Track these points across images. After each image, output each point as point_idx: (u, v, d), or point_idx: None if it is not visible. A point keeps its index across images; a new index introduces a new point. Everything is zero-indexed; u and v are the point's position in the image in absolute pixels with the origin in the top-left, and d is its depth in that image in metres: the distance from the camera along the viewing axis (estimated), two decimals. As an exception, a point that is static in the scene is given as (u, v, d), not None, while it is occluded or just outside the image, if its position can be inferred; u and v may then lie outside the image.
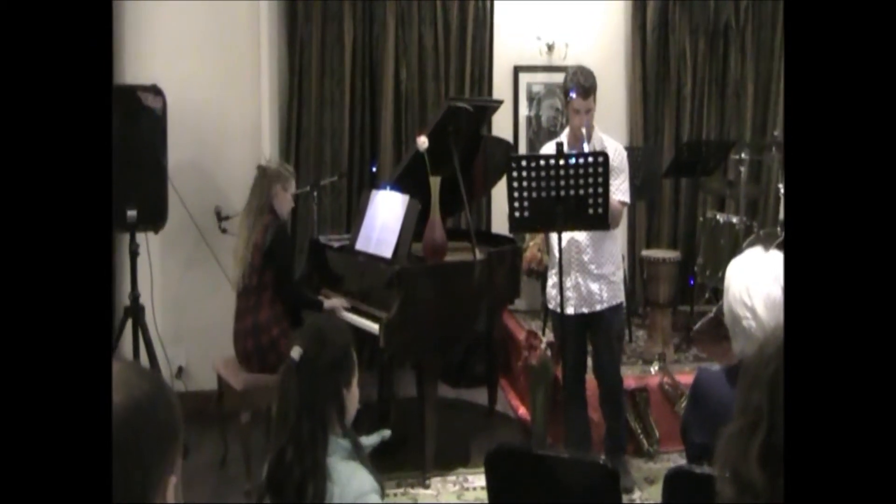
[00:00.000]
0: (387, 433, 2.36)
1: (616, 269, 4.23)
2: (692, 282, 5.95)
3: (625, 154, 4.22)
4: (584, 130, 3.99)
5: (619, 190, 4.09)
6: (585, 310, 4.17)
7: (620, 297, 4.27)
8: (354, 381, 2.26)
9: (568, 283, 4.10)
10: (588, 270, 4.15)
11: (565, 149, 3.90)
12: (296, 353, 2.18)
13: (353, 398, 2.26)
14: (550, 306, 4.31)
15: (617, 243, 4.30)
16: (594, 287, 4.16)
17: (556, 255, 3.97)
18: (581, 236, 4.12)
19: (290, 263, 4.49)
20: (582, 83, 3.99)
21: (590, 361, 4.40)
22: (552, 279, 4.28)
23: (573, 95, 4.00)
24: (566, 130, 4.22)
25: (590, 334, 4.29)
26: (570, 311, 4.07)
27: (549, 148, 4.17)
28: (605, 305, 4.18)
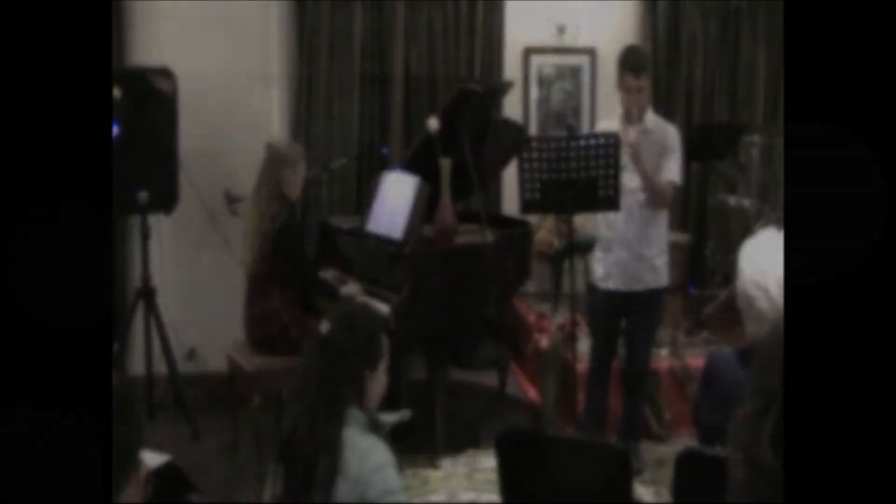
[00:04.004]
0: (407, 413, 2.40)
1: (659, 252, 4.17)
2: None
3: (678, 136, 4.16)
4: (635, 109, 3.95)
5: (670, 170, 4.06)
6: (623, 288, 4.15)
7: (662, 283, 4.21)
8: (382, 367, 2.31)
9: (609, 259, 4.12)
10: (630, 249, 4.11)
11: (618, 129, 3.94)
12: (324, 327, 2.25)
13: (378, 383, 2.30)
14: (592, 281, 4.30)
15: (663, 228, 4.23)
16: (634, 267, 4.12)
17: (604, 230, 4.15)
18: (626, 216, 4.05)
19: (300, 252, 4.43)
20: (634, 60, 3.98)
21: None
22: (598, 254, 4.26)
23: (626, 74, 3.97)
24: (620, 111, 4.14)
25: (626, 316, 4.26)
26: (609, 285, 4.11)
27: (602, 126, 4.26)
28: (644, 287, 4.15)
